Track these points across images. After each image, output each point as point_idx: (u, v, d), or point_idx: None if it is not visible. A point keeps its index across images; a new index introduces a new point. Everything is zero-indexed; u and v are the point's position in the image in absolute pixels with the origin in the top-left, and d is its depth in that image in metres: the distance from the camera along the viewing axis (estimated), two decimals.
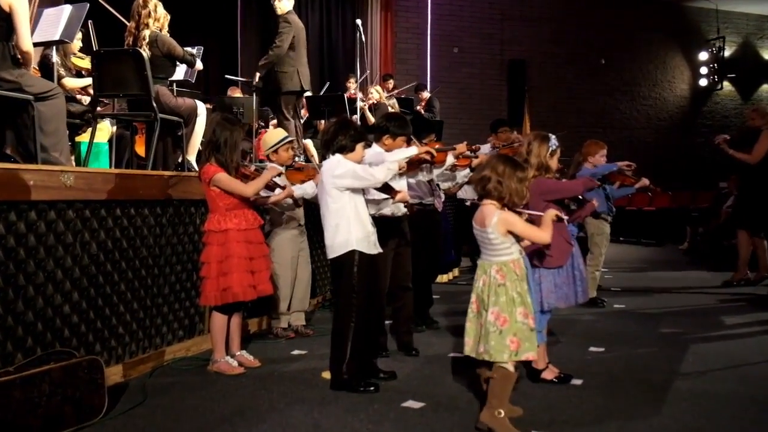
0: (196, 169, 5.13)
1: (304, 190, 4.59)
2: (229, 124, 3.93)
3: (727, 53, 15.19)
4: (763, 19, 15.79)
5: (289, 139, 4.87)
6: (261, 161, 4.97)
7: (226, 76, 7.78)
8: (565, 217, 3.23)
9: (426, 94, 10.54)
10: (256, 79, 6.69)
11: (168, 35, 5.23)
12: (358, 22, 7.96)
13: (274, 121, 8.93)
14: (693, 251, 10.74)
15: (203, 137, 4.74)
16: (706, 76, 15.25)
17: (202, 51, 5.79)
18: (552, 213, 3.13)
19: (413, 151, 4.01)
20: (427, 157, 4.08)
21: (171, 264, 4.25)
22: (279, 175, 4.31)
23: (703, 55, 15.19)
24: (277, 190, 4.32)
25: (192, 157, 5.39)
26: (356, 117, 8.07)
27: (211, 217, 3.91)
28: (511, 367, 3.02)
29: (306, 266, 5.00)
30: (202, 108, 5.45)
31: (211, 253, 3.85)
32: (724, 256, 8.67)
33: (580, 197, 4.06)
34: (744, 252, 7.16)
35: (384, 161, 3.78)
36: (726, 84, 15.33)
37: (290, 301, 4.91)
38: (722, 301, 6.35)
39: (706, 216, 11.02)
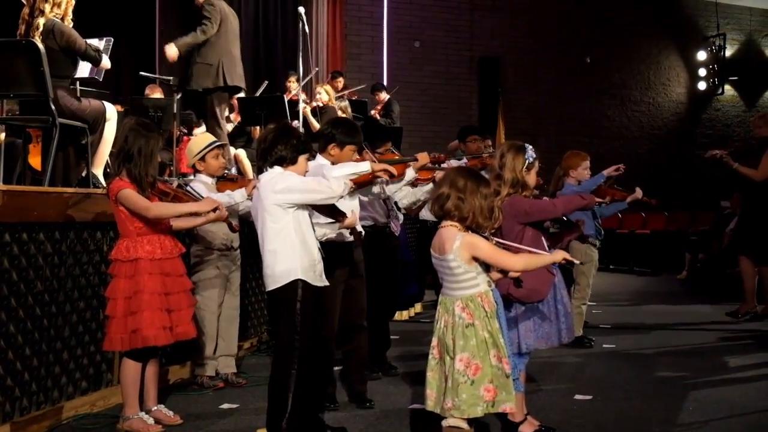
0: (104, 184, 5.06)
1: (232, 197, 4.52)
2: (145, 131, 3.90)
3: (728, 53, 15.79)
4: None
5: (219, 143, 4.86)
6: (185, 175, 4.95)
7: (141, 73, 7.72)
8: (577, 262, 3.26)
9: (384, 96, 10.65)
10: (173, 54, 6.63)
11: (69, 25, 5.18)
12: (301, 10, 8.01)
13: (202, 128, 8.90)
14: (692, 281, 11.05)
15: (113, 146, 4.70)
16: (705, 78, 15.81)
17: (111, 44, 5.74)
18: (560, 255, 3.15)
19: (365, 167, 4.03)
20: (384, 176, 4.13)
21: (72, 300, 4.17)
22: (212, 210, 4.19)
23: (702, 55, 15.76)
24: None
25: (99, 171, 5.32)
26: (298, 123, 8.09)
27: (119, 243, 3.87)
28: (465, 426, 3.03)
29: (234, 299, 4.99)
30: (111, 111, 5.39)
31: (118, 287, 3.80)
32: (727, 286, 8.95)
33: (564, 218, 4.15)
34: (749, 281, 7.40)
35: (329, 172, 3.81)
36: (727, 88, 15.92)
37: (216, 343, 4.88)
38: (725, 339, 6.55)
39: (706, 240, 11.37)
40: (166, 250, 3.90)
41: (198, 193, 4.34)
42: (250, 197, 4.35)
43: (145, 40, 10.91)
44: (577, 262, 3.22)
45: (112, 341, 3.82)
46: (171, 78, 6.93)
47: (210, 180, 4.78)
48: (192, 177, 4.79)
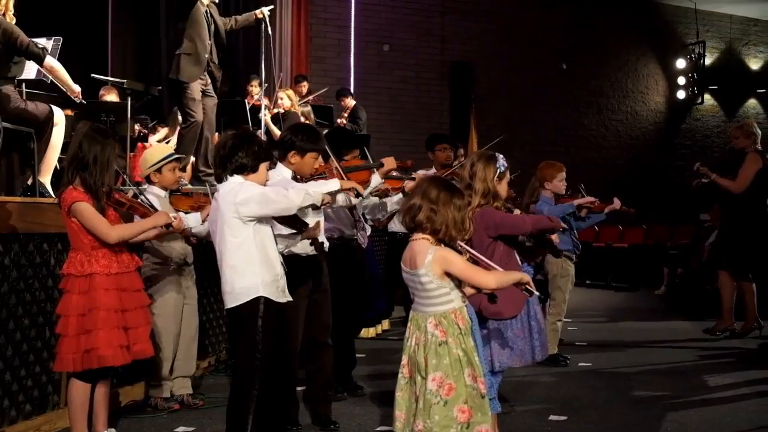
0: (52, 194, 5.01)
1: (186, 221, 4.47)
2: (100, 137, 3.88)
3: (708, 61, 16.10)
4: (749, 22, 16.85)
5: (176, 156, 4.84)
6: (138, 183, 4.92)
7: (93, 75, 7.65)
8: (536, 293, 3.25)
9: (350, 101, 10.67)
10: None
11: (11, 21, 5.12)
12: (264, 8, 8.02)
13: (162, 133, 8.85)
14: (671, 297, 11.21)
15: (63, 153, 4.66)
16: (684, 87, 16.10)
17: (60, 43, 5.69)
18: (519, 276, 3.13)
19: (334, 185, 4.06)
20: (351, 194, 4.15)
21: (16, 317, 4.11)
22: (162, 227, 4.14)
23: (681, 63, 16.05)
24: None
25: (46, 179, 5.27)
26: (260, 130, 8.08)
27: (72, 256, 3.83)
28: None
29: (192, 318, 4.97)
30: (60, 115, 5.35)
31: (71, 303, 3.76)
32: (707, 302, 9.09)
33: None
34: (728, 298, 7.53)
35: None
36: (707, 97, 16.22)
37: (172, 363, 4.85)
38: (705, 358, 6.66)
39: (685, 254, 11.55)
40: (123, 264, 3.88)
41: (152, 205, 4.31)
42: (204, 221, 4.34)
43: (96, 40, 10.80)
44: (536, 293, 3.23)
45: (63, 361, 3.77)
46: (125, 81, 6.88)
47: (163, 193, 4.75)
48: (145, 187, 4.75)
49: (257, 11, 7.54)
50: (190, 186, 6.28)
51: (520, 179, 6.32)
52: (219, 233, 3.61)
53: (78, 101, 5.70)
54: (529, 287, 3.12)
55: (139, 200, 4.17)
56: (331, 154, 4.53)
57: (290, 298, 3.77)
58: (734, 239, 7.35)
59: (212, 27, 7.00)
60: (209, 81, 7.04)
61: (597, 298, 11.38)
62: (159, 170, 4.72)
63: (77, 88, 5.64)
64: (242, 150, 3.61)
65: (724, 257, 7.54)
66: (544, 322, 4.43)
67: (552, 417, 4.67)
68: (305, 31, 12.45)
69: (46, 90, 6.31)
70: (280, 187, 3.71)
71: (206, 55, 6.86)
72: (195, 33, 6.79)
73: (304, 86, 10.45)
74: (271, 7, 7.94)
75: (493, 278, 3.08)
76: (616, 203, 6.13)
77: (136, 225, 3.97)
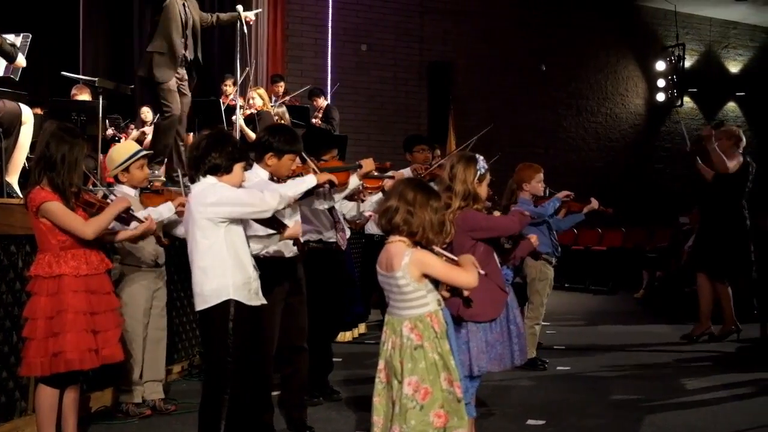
0: (19, 194, 4.95)
1: (159, 213, 4.39)
2: (69, 137, 3.84)
3: (687, 63, 16.27)
4: (728, 25, 17.07)
5: (144, 153, 4.80)
6: (110, 185, 4.88)
7: (63, 73, 7.59)
8: (482, 272, 3.23)
9: (322, 102, 10.65)
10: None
11: None
12: (240, 8, 7.99)
13: (135, 134, 8.79)
14: (650, 300, 11.30)
15: (31, 152, 4.61)
16: (664, 89, 16.27)
17: (29, 40, 5.63)
18: (470, 258, 3.14)
19: (311, 181, 4.04)
20: (326, 184, 4.14)
21: None
22: (128, 210, 4.11)
23: (660, 65, 16.22)
24: (133, 224, 4.21)
25: (13, 179, 5.21)
26: (234, 131, 8.04)
27: (39, 258, 3.79)
28: None
29: (160, 319, 4.94)
30: (28, 114, 5.29)
31: (38, 306, 3.72)
32: (685, 305, 9.17)
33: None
34: (705, 300, 7.60)
35: (273, 191, 3.80)
36: (686, 100, 16.39)
37: (142, 367, 4.82)
38: (683, 361, 6.73)
39: (664, 257, 11.64)
40: (92, 266, 3.83)
41: None
42: (178, 213, 4.31)
43: (67, 38, 10.73)
44: (482, 272, 3.22)
45: (30, 366, 3.72)
46: (96, 79, 6.82)
47: (133, 192, 4.70)
48: (116, 187, 4.71)
49: (246, 15, 7.44)
50: (163, 179, 6.24)
51: (499, 181, 6.35)
52: (190, 234, 3.60)
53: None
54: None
55: (108, 201, 4.12)
56: (307, 157, 4.53)
57: (264, 301, 3.75)
58: (712, 242, 7.43)
59: (190, 22, 6.88)
60: (185, 76, 6.94)
61: (576, 301, 11.46)
62: (127, 169, 4.67)
63: None
64: (216, 150, 3.60)
65: (702, 260, 7.62)
66: (523, 325, 4.44)
67: (530, 421, 4.69)
68: (282, 30, 12.43)
69: (14, 88, 6.25)
70: (256, 190, 3.69)
71: (181, 53, 6.77)
72: (168, 30, 6.66)
73: (281, 86, 10.43)
74: (259, 10, 7.87)
75: (472, 276, 3.09)
76: (594, 203, 6.19)
77: (104, 214, 3.89)
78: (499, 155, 5.44)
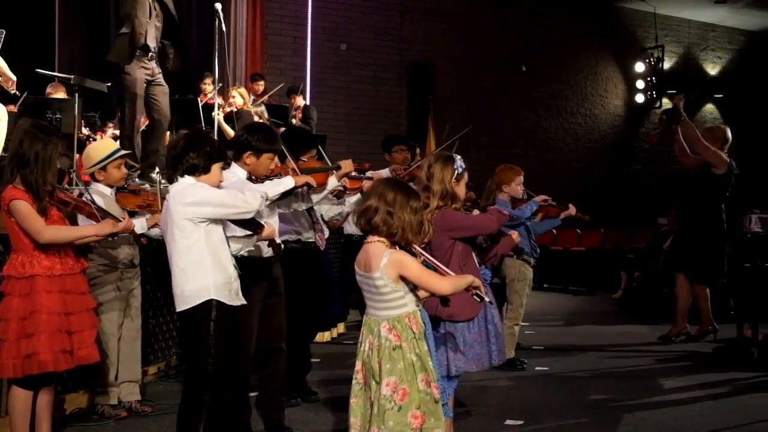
0: None
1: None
2: (43, 134, 3.82)
3: (666, 65, 16.42)
4: (707, 27, 17.24)
5: (122, 152, 4.78)
6: (87, 183, 4.85)
7: (38, 70, 7.52)
8: (486, 299, 3.26)
9: (300, 100, 10.62)
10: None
11: None
12: (218, 6, 7.96)
13: (111, 132, 8.72)
14: (628, 300, 11.40)
15: (4, 150, 4.57)
16: (643, 91, 16.40)
17: (3, 36, 5.60)
18: (470, 280, 3.12)
19: (289, 183, 4.05)
20: (305, 187, 4.16)
21: None
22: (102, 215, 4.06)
23: (640, 67, 16.35)
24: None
25: None
26: (212, 129, 8.01)
27: (13, 258, 3.77)
28: None
29: (135, 320, 4.93)
30: (2, 111, 5.25)
31: (10, 306, 3.70)
32: (663, 306, 9.27)
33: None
34: (682, 300, 7.68)
35: (251, 191, 3.81)
36: (665, 101, 16.51)
37: (118, 368, 4.80)
38: (660, 361, 6.80)
39: (643, 258, 11.74)
40: (67, 266, 3.82)
41: (98, 205, 4.23)
42: (158, 227, 4.32)
43: (42, 34, 10.62)
44: (486, 299, 3.23)
45: (3, 367, 3.70)
46: (72, 77, 6.77)
47: (108, 191, 4.67)
48: (90, 186, 4.68)
49: None
50: (138, 180, 6.21)
51: (480, 182, 6.39)
52: (169, 234, 3.59)
53: (12, 92, 5.55)
54: (479, 293, 3.12)
55: (84, 198, 4.10)
56: (288, 155, 4.53)
57: (244, 301, 3.76)
58: (690, 243, 7.50)
59: (157, 5, 6.74)
60: (156, 70, 6.81)
61: (554, 302, 11.53)
62: (104, 168, 4.65)
63: (13, 77, 5.48)
64: (193, 150, 3.60)
65: (680, 260, 7.70)
66: (502, 326, 4.48)
67: (508, 421, 4.73)
68: (261, 29, 12.40)
69: None
70: (236, 191, 3.69)
71: (143, 39, 6.53)
72: (133, 13, 6.48)
73: (261, 85, 10.41)
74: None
75: (448, 283, 3.10)
76: (572, 209, 6.24)
77: (75, 230, 3.89)
78: (471, 127, 5.45)
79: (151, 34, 6.63)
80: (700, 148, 7.33)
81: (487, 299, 3.23)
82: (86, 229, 3.95)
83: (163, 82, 6.86)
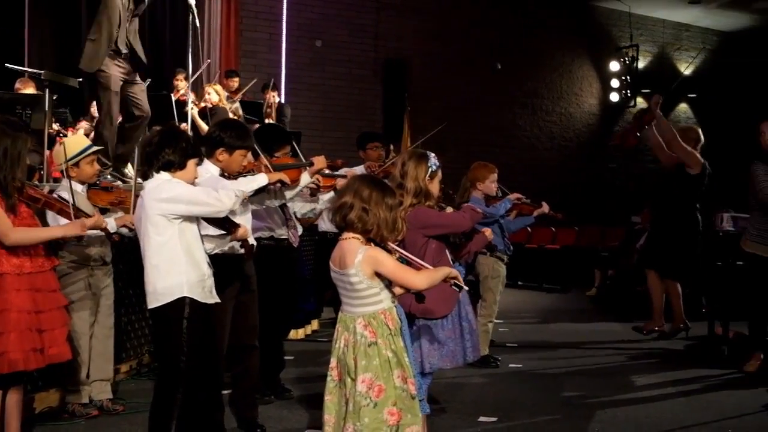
0: None
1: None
2: (11, 130, 3.78)
3: (641, 64, 16.56)
4: (681, 27, 17.40)
5: (95, 148, 4.75)
6: (57, 179, 4.81)
7: (7, 65, 7.44)
8: (465, 288, 3.28)
9: (274, 96, 10.55)
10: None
11: None
12: (192, 2, 7.93)
13: (82, 128, 8.65)
14: (602, 298, 11.50)
15: None
16: (618, 90, 16.53)
17: None
18: (448, 271, 3.16)
19: (262, 180, 4.06)
20: (278, 185, 4.16)
21: None
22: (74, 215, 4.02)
23: (615, 66, 16.47)
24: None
25: None
26: (186, 125, 7.98)
27: None
28: None
29: (107, 317, 4.91)
30: None
31: None
32: (636, 304, 9.36)
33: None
34: (656, 297, 7.78)
35: (224, 187, 3.81)
36: (639, 100, 16.67)
37: (89, 367, 4.77)
38: (633, 358, 6.88)
39: (616, 256, 11.86)
40: (37, 264, 3.78)
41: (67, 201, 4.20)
42: (127, 227, 4.31)
43: (11, 28, 10.49)
44: (465, 288, 3.27)
45: None
46: (42, 72, 6.70)
47: (80, 188, 4.64)
48: (62, 182, 4.65)
49: None
50: (110, 177, 6.17)
51: (455, 180, 6.41)
52: (143, 230, 3.58)
53: None
54: (457, 282, 3.15)
55: (55, 195, 4.07)
56: (260, 152, 4.53)
57: (218, 299, 3.76)
58: (663, 240, 7.59)
59: (130, 5, 6.72)
60: (130, 68, 6.81)
61: (529, 299, 11.60)
62: (77, 164, 4.62)
63: None
64: (169, 147, 3.60)
65: (652, 257, 7.79)
66: (476, 323, 4.51)
67: (482, 418, 4.77)
68: (235, 25, 12.35)
69: None
70: (211, 189, 3.69)
71: (113, 42, 6.52)
72: (104, 16, 6.48)
73: (235, 81, 10.36)
74: None
75: (423, 278, 3.11)
76: (545, 207, 6.30)
77: (43, 232, 3.84)
78: (446, 123, 5.49)
79: (122, 38, 6.64)
80: (676, 147, 7.42)
81: (465, 288, 3.25)
82: (54, 230, 3.91)
83: (140, 80, 6.95)
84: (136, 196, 4.06)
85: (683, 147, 7.37)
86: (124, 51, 6.67)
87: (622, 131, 7.66)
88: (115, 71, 6.58)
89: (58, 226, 3.96)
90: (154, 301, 3.58)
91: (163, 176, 3.59)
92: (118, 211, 4.74)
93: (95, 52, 6.53)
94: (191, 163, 3.67)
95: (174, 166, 3.60)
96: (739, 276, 6.43)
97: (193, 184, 3.68)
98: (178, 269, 3.54)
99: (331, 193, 5.09)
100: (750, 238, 6.08)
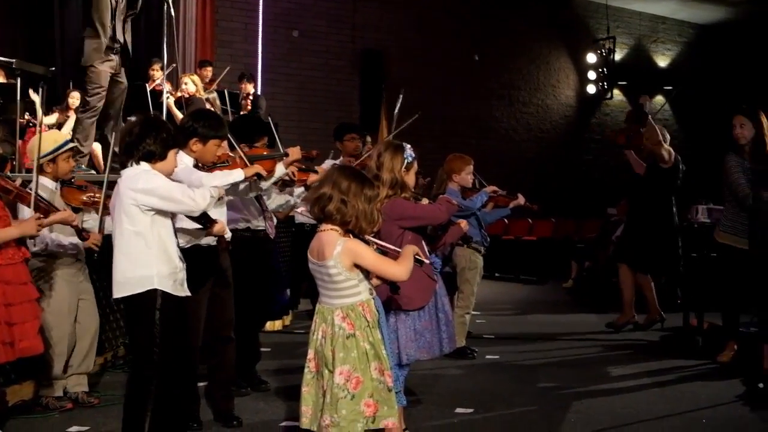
0: None
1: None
2: None
3: (617, 56, 16.66)
4: (658, 20, 17.55)
5: (72, 145, 4.72)
6: (30, 170, 4.76)
7: None
8: (426, 261, 3.30)
9: (249, 87, 10.52)
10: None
11: None
12: None
13: (53, 117, 8.58)
14: (578, 290, 11.59)
15: None
16: (595, 82, 16.63)
17: None
18: (411, 249, 3.21)
19: (239, 175, 4.06)
20: (253, 179, 4.17)
21: None
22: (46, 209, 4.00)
23: (592, 58, 16.57)
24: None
25: None
26: (162, 115, 7.93)
27: None
28: None
29: (92, 314, 4.89)
30: None
31: None
32: (612, 295, 9.43)
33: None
34: (627, 290, 7.84)
35: (198, 179, 3.80)
36: (616, 92, 16.82)
37: (67, 361, 4.74)
38: (608, 349, 6.94)
39: (593, 248, 11.95)
40: (6, 256, 3.76)
41: (41, 196, 4.14)
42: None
43: None
44: (426, 261, 3.30)
45: None
46: (14, 60, 6.63)
47: (53, 185, 4.59)
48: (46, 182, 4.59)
49: None
50: (83, 170, 6.14)
51: (432, 171, 6.44)
52: (116, 219, 3.57)
53: None
54: (418, 257, 3.18)
55: (28, 190, 4.02)
56: (235, 144, 4.52)
57: (188, 293, 3.74)
58: (638, 233, 7.65)
59: (122, 4, 6.87)
60: (119, 64, 6.90)
61: (505, 290, 11.66)
62: (53, 160, 4.56)
63: None
64: (150, 137, 3.58)
65: (625, 251, 7.85)
66: (452, 314, 4.53)
67: (458, 410, 4.79)
68: (211, 14, 12.26)
69: None
70: (186, 186, 3.67)
71: (108, 39, 6.73)
72: (96, 18, 6.72)
73: (209, 71, 10.30)
74: None
75: (403, 269, 3.13)
76: (521, 199, 6.33)
77: (6, 232, 3.77)
78: (420, 113, 5.51)
79: (118, 30, 6.88)
80: (656, 148, 7.46)
81: (426, 260, 3.26)
82: (10, 231, 3.81)
83: (124, 79, 7.19)
84: (108, 197, 4.04)
85: (661, 145, 7.41)
86: (116, 47, 6.84)
87: (626, 135, 7.68)
88: (105, 66, 6.80)
89: (14, 226, 3.88)
90: (120, 290, 3.57)
91: (143, 166, 3.57)
92: (91, 210, 4.71)
93: (93, 48, 6.83)
94: (171, 153, 3.65)
95: (155, 156, 3.58)
96: (713, 267, 6.50)
97: (171, 174, 3.66)
98: (148, 260, 3.53)
99: (302, 189, 5.10)
100: (723, 230, 6.14)
